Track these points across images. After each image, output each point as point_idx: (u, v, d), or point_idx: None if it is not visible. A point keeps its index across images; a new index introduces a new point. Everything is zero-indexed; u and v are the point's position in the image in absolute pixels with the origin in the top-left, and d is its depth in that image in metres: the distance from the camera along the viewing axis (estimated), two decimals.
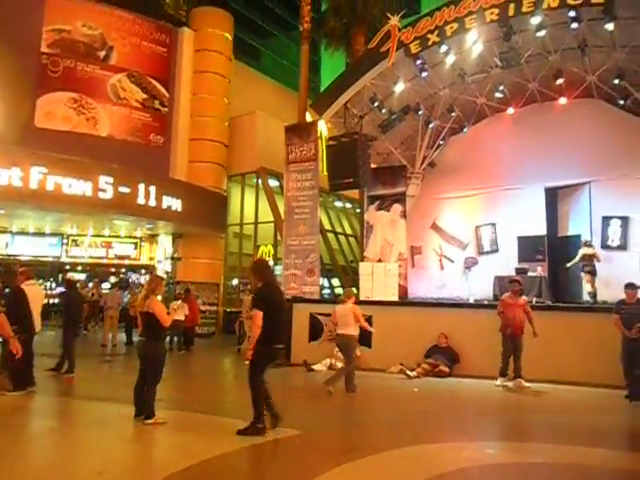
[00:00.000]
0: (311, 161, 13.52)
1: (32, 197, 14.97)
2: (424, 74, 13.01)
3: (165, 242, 21.05)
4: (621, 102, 13.29)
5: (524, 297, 9.26)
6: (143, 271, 21.20)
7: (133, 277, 21.33)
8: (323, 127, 13.73)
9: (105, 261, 20.93)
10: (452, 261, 15.51)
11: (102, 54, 18.89)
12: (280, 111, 20.55)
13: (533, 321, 8.76)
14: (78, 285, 14.26)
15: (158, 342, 6.18)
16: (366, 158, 13.00)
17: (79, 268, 20.91)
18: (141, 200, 16.82)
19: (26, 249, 20.13)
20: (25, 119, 17.15)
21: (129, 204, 16.65)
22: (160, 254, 21.17)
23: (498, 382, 8.88)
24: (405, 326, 10.66)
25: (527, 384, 8.72)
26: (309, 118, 14.33)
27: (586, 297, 12.48)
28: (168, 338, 12.56)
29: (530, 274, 13.07)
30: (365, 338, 9.37)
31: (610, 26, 10.89)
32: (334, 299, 17.29)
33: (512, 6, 11.14)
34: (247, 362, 5.65)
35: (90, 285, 19.02)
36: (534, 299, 11.42)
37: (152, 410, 5.87)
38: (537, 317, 8.86)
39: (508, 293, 9.19)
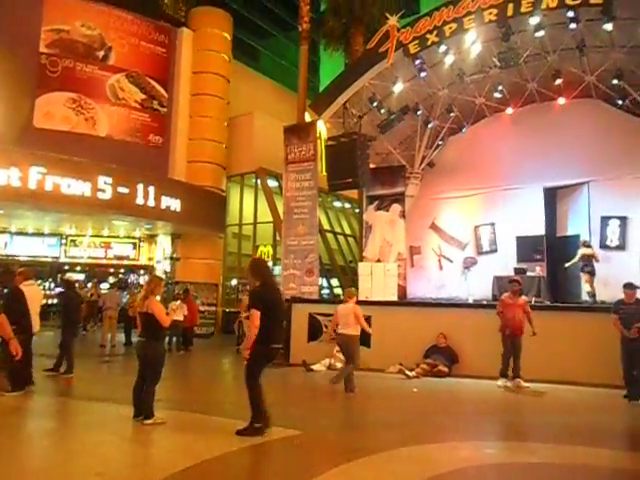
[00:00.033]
0: (310, 161, 13.52)
1: (31, 197, 14.97)
2: (423, 74, 13.01)
3: (164, 242, 21.04)
4: (619, 102, 13.30)
5: (524, 297, 9.26)
6: (142, 271, 21.19)
7: (132, 277, 21.32)
8: (322, 127, 13.73)
9: (104, 261, 20.91)
10: (451, 261, 15.52)
11: (101, 54, 18.89)
12: (279, 111, 20.56)
13: (532, 321, 8.77)
14: (77, 285, 14.30)
15: (157, 342, 6.17)
16: (365, 158, 13.00)
17: (78, 268, 20.90)
18: (140, 200, 16.82)
19: (25, 249, 20.11)
20: (24, 119, 17.13)
21: (128, 204, 16.65)
22: (159, 254, 21.16)
23: (500, 383, 8.85)
24: (404, 326, 10.67)
25: (526, 384, 8.73)
26: (308, 118, 14.33)
27: (585, 297, 12.49)
28: (167, 338, 12.55)
29: (529, 274, 13.08)
30: (364, 338, 9.36)
31: (609, 26, 10.89)
32: (333, 299, 17.34)
33: (511, 6, 11.14)
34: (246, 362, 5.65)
35: (89, 285, 19.01)
36: (533, 299, 11.43)
37: (151, 410, 5.87)
38: (536, 317, 8.86)
39: (507, 293, 9.19)
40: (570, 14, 10.80)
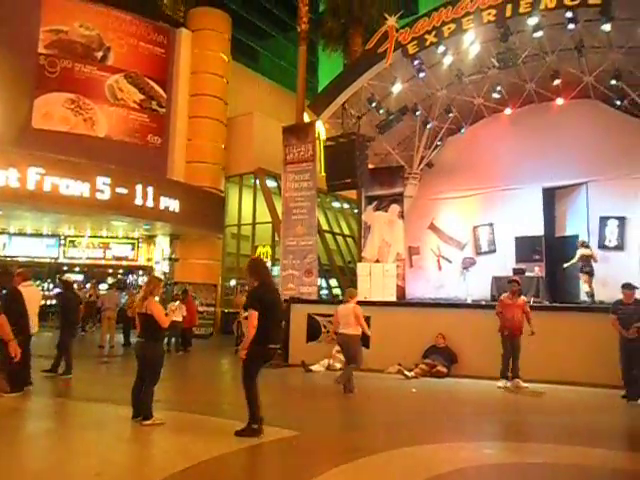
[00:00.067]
0: (309, 162, 13.53)
1: (29, 198, 14.96)
2: (421, 75, 13.01)
3: (163, 243, 21.03)
4: (618, 103, 13.31)
5: (523, 297, 9.26)
6: (141, 272, 21.16)
7: (131, 278, 21.30)
8: (321, 128, 13.73)
9: (103, 262, 20.89)
10: (450, 261, 15.52)
11: (99, 55, 18.88)
12: (278, 112, 20.57)
13: (531, 320, 8.77)
14: (75, 286, 14.28)
15: (156, 343, 6.17)
16: (364, 159, 13.00)
17: (76, 269, 20.86)
18: (139, 201, 16.81)
19: (23, 250, 20.09)
20: (22, 120, 17.13)
21: (127, 205, 16.64)
22: (158, 255, 21.14)
23: (500, 384, 8.82)
24: (403, 326, 10.67)
25: (525, 384, 8.73)
26: (307, 119, 14.32)
27: (584, 297, 12.50)
28: (166, 339, 12.54)
29: (528, 274, 13.09)
30: (363, 338, 9.35)
31: (607, 27, 10.90)
32: (332, 300, 17.34)
33: (509, 7, 11.15)
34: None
35: (88, 286, 18.99)
36: (532, 299, 11.43)
37: (150, 411, 5.86)
38: (535, 317, 8.86)
39: (507, 293, 9.19)
40: (568, 15, 10.80)
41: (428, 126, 15.17)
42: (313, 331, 11.60)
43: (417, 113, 14.49)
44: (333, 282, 20.33)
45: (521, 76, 13.85)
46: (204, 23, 20.79)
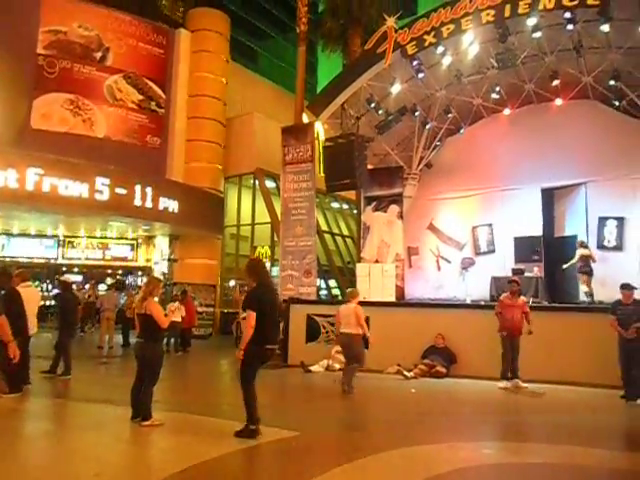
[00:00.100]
0: (308, 162, 13.53)
1: (28, 199, 14.94)
2: (420, 75, 13.02)
3: (162, 243, 21.03)
4: (616, 103, 13.31)
5: (523, 297, 9.27)
6: (140, 273, 21.16)
7: (130, 279, 21.29)
8: (320, 128, 13.73)
9: (102, 263, 20.88)
10: (449, 262, 15.52)
11: (98, 55, 18.89)
12: (277, 112, 20.57)
13: (530, 320, 8.77)
14: (74, 287, 14.26)
15: (156, 344, 6.17)
16: (363, 159, 13.01)
17: (75, 270, 20.85)
18: (138, 201, 16.81)
19: (22, 251, 20.09)
20: (21, 120, 17.13)
21: (126, 205, 16.64)
22: (157, 256, 21.14)
23: (502, 385, 8.79)
24: (402, 327, 10.67)
25: (524, 384, 8.74)
26: (306, 119, 14.33)
27: (583, 297, 12.50)
28: (165, 340, 12.54)
29: (527, 275, 13.09)
30: (363, 338, 9.36)
31: (605, 27, 10.90)
32: (331, 300, 17.34)
33: (508, 7, 11.16)
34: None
35: (87, 287, 18.98)
36: (531, 299, 11.44)
37: (149, 412, 5.86)
38: (534, 318, 8.87)
39: (506, 294, 9.19)
40: (567, 15, 10.82)
41: (427, 126, 15.18)
42: (312, 332, 11.59)
43: (416, 113, 14.50)
44: (332, 283, 20.33)
45: (520, 76, 13.86)
46: (203, 24, 20.80)
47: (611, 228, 13.48)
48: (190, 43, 20.66)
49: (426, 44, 12.18)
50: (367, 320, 8.70)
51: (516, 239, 14.41)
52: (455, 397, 8.66)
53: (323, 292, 19.19)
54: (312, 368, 10.61)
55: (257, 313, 5.47)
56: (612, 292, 9.03)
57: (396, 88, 13.63)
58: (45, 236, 20.46)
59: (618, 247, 13.37)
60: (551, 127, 13.97)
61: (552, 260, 13.96)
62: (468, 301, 13.25)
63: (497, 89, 14.04)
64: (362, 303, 9.00)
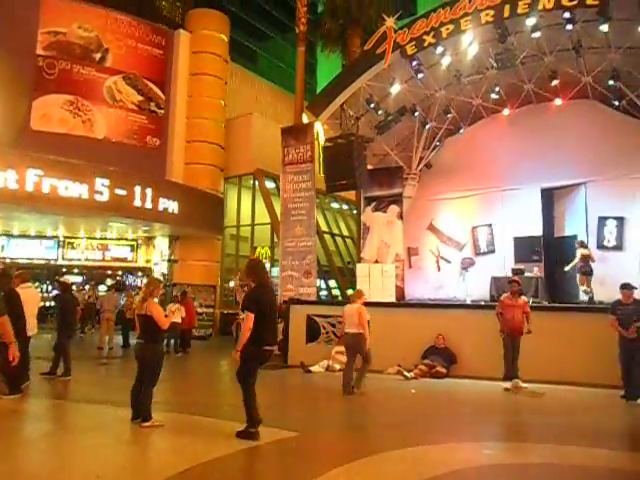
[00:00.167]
0: (307, 163, 13.55)
1: (28, 200, 14.94)
2: (420, 75, 13.03)
3: (162, 244, 21.02)
4: (616, 103, 13.32)
5: (523, 297, 9.26)
6: (140, 273, 21.16)
7: (130, 279, 21.29)
8: (319, 129, 13.74)
9: (102, 264, 20.87)
10: (449, 262, 15.52)
11: (98, 56, 18.89)
12: (276, 113, 20.62)
13: (530, 320, 8.77)
14: (74, 288, 14.26)
15: (156, 344, 6.16)
16: (362, 159, 13.01)
17: (75, 271, 20.85)
18: (137, 202, 16.81)
19: (22, 252, 20.08)
20: (21, 121, 17.13)
21: (125, 206, 16.64)
22: (157, 256, 21.13)
23: (508, 385, 8.73)
24: (402, 327, 10.67)
25: (524, 384, 8.73)
26: (305, 120, 14.34)
27: (583, 297, 12.49)
28: (165, 341, 12.53)
29: (527, 275, 13.08)
30: None
31: (605, 27, 10.91)
32: (331, 301, 17.34)
33: (507, 7, 11.17)
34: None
35: (87, 288, 18.98)
36: (531, 300, 11.44)
37: (149, 413, 5.85)
38: (534, 318, 8.85)
39: (507, 294, 9.18)
40: (566, 15, 10.83)
41: (427, 127, 15.18)
42: (312, 332, 11.59)
43: (416, 114, 14.50)
44: (332, 283, 20.33)
45: (519, 77, 13.87)
46: (202, 24, 20.81)
47: (611, 228, 13.48)
48: (189, 44, 20.67)
49: (425, 44, 12.19)
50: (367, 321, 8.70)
51: (516, 239, 14.41)
52: (455, 397, 8.66)
53: (323, 293, 19.19)
54: (312, 368, 10.61)
55: (256, 314, 5.47)
56: (612, 292, 9.04)
57: (395, 88, 13.64)
58: (45, 237, 20.46)
59: (618, 247, 13.37)
60: (551, 127, 13.97)
61: (552, 260, 13.96)
62: (468, 301, 13.24)
63: (496, 89, 14.04)
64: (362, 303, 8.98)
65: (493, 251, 15.03)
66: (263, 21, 38.82)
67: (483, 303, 12.29)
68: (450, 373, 9.95)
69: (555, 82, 13.09)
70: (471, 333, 10.04)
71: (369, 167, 14.37)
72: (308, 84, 26.31)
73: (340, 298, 18.53)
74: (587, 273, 12.20)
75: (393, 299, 12.47)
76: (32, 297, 8.06)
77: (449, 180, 15.36)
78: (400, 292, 13.87)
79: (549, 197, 14.69)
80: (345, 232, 22.62)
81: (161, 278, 18.41)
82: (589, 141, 13.43)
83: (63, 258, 20.58)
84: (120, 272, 21.25)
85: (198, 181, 19.50)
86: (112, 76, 19.06)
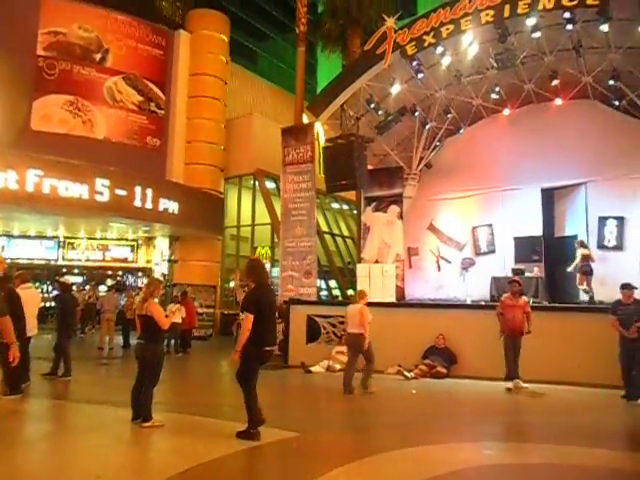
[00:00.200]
0: (308, 163, 13.54)
1: (28, 200, 14.94)
2: (420, 75, 13.03)
3: (162, 245, 21.02)
4: (616, 103, 13.31)
5: (524, 297, 9.26)
6: (140, 274, 21.16)
7: (130, 280, 21.29)
8: (320, 129, 13.74)
9: (102, 264, 20.88)
10: (449, 262, 15.51)
11: (98, 57, 18.89)
12: (277, 113, 20.63)
13: (531, 320, 8.77)
14: (74, 288, 14.25)
15: (156, 345, 6.17)
16: (362, 160, 13.01)
17: (76, 271, 20.85)
18: (138, 203, 16.81)
19: (22, 252, 20.08)
20: (21, 122, 17.13)
21: (126, 207, 16.64)
22: (157, 257, 21.13)
23: (510, 385, 8.74)
24: (402, 327, 10.67)
25: (525, 385, 8.73)
26: (306, 120, 14.34)
27: (583, 297, 12.49)
28: (165, 341, 12.53)
29: (527, 275, 13.08)
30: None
31: (605, 27, 10.90)
32: (332, 301, 17.34)
33: (507, 7, 11.16)
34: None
35: (87, 288, 18.98)
36: (531, 300, 11.44)
37: (149, 413, 5.86)
38: (534, 318, 8.86)
39: (507, 294, 9.18)
40: (567, 15, 10.82)
41: (427, 127, 15.18)
42: (313, 332, 11.60)
43: (416, 114, 14.50)
44: (332, 283, 20.33)
45: (519, 76, 13.86)
46: (202, 25, 20.80)
47: (611, 228, 13.47)
48: (190, 44, 20.66)
49: (425, 44, 12.19)
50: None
51: (516, 239, 14.41)
52: (456, 397, 8.66)
53: (323, 293, 19.19)
54: (312, 369, 10.61)
55: (256, 314, 5.47)
56: (612, 292, 9.04)
57: (396, 88, 13.64)
58: (45, 237, 20.46)
59: (618, 247, 13.36)
60: (551, 127, 13.97)
61: (552, 260, 13.96)
62: (468, 301, 13.24)
63: (497, 89, 14.04)
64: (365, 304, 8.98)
65: (493, 251, 15.03)
66: (263, 21, 38.80)
67: (483, 303, 12.29)
68: (450, 373, 9.95)
69: (555, 82, 13.09)
70: (471, 333, 10.05)
71: (369, 167, 14.36)
72: (308, 84, 26.32)
73: (340, 298, 18.54)
74: (587, 273, 12.19)
75: (393, 299, 12.47)
76: (32, 297, 8.07)
77: (449, 180, 15.36)
78: (400, 292, 13.87)
79: (549, 197, 14.68)
80: (345, 232, 22.62)
81: (161, 278, 18.41)
82: (589, 141, 13.43)
83: (63, 258, 20.58)
84: (120, 272, 21.24)
85: (198, 181, 19.50)
86: (112, 76, 19.06)
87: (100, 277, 20.60)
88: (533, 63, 13.24)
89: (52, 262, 20.48)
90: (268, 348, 5.65)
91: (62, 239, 20.58)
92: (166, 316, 6.25)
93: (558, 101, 13.99)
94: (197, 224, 18.81)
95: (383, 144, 15.02)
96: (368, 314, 8.47)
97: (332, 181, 13.23)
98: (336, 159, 12.92)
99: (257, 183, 20.20)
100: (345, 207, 23.45)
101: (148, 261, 21.21)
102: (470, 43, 12.24)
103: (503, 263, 14.36)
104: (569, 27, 11.15)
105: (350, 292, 16.97)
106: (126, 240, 20.99)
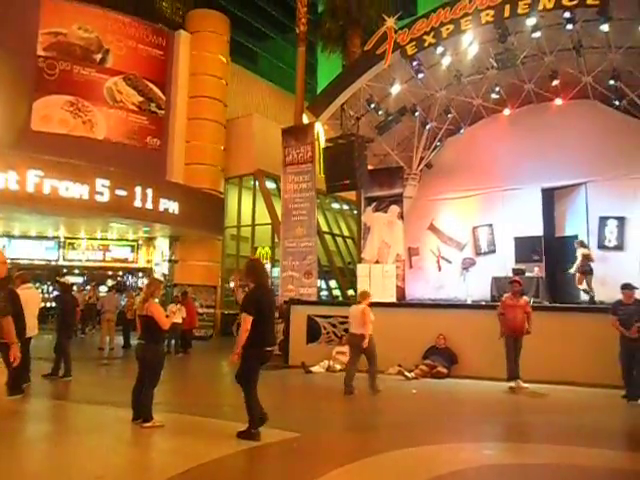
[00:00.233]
0: (308, 163, 13.54)
1: (28, 200, 14.94)
2: (420, 75, 13.02)
3: (162, 245, 21.02)
4: (616, 103, 13.30)
5: (525, 297, 9.26)
6: (140, 274, 21.16)
7: (130, 280, 21.30)
8: (320, 129, 13.74)
9: (102, 264, 20.88)
10: (450, 262, 15.51)
11: (98, 57, 18.90)
12: (277, 113, 20.63)
13: (531, 321, 8.77)
14: (75, 288, 14.25)
15: (157, 345, 6.17)
16: (363, 160, 13.01)
17: (76, 271, 20.86)
18: (138, 203, 16.81)
19: (23, 252, 20.08)
20: (21, 122, 17.13)
21: (126, 207, 16.64)
22: (157, 257, 21.14)
23: (513, 384, 8.74)
24: (403, 327, 10.66)
25: (525, 385, 8.73)
26: (306, 120, 14.34)
27: (584, 297, 12.49)
28: (166, 341, 12.53)
29: (527, 275, 13.08)
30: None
31: (605, 27, 10.90)
32: (332, 301, 17.34)
33: (507, 7, 11.16)
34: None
35: (87, 288, 18.98)
36: (532, 300, 11.44)
37: (150, 413, 5.86)
38: (535, 318, 8.87)
39: (508, 294, 9.18)
40: (567, 15, 10.82)
41: (427, 127, 15.17)
42: (313, 332, 11.60)
43: (416, 114, 14.49)
44: (333, 283, 20.34)
45: (520, 76, 13.86)
46: (203, 25, 20.80)
47: (612, 228, 13.47)
48: (190, 44, 20.67)
49: (426, 44, 12.18)
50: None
51: (516, 239, 14.40)
52: (456, 398, 8.66)
53: (324, 293, 19.19)
54: (313, 369, 10.61)
55: (256, 315, 5.47)
56: (612, 292, 9.03)
57: (396, 88, 13.63)
58: (46, 238, 20.46)
59: (619, 247, 13.36)
60: (551, 127, 13.96)
61: (553, 260, 13.95)
62: (469, 301, 13.23)
63: (497, 89, 14.03)
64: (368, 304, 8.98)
65: (494, 251, 15.03)
66: (263, 21, 38.80)
67: (484, 303, 12.29)
68: (451, 373, 9.95)
69: (555, 82, 13.08)
70: (472, 333, 10.04)
71: (369, 167, 14.36)
72: (308, 84, 26.33)
73: (341, 298, 18.54)
74: (587, 272, 12.18)
75: (394, 299, 12.47)
76: (33, 298, 8.08)
77: (450, 180, 15.35)
78: (401, 292, 13.87)
79: (550, 197, 14.67)
80: (346, 232, 22.62)
81: (162, 279, 18.40)
82: (589, 141, 13.43)
83: (64, 259, 20.59)
84: (121, 273, 21.24)
85: (199, 182, 19.50)
86: (112, 77, 19.06)
87: (100, 277, 20.60)
88: (533, 63, 13.24)
89: (52, 262, 20.48)
90: (268, 348, 5.65)
91: (62, 239, 20.58)
92: (166, 316, 6.26)
93: (558, 101, 13.98)
94: (197, 224, 18.82)
95: (383, 144, 15.02)
96: (370, 314, 8.46)
97: (332, 181, 13.23)
98: (336, 159, 12.92)
99: (257, 183, 20.20)
100: (345, 207, 23.45)
101: (148, 261, 21.21)
102: (470, 43, 12.24)
103: (504, 263, 14.35)
104: (569, 27, 11.14)
105: (350, 292, 16.98)
106: (126, 240, 20.99)
